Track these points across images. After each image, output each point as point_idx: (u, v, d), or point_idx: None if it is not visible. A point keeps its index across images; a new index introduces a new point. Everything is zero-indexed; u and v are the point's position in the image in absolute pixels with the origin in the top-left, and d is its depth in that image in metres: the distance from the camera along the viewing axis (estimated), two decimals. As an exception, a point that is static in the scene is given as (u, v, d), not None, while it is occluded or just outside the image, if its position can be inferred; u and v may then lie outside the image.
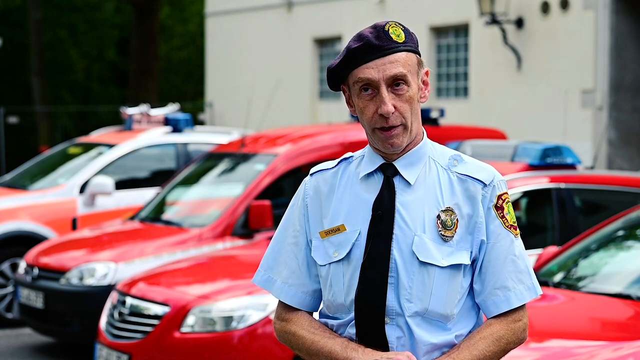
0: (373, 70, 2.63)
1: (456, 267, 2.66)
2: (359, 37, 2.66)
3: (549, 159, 7.46)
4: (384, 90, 2.63)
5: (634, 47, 14.74)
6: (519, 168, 7.42)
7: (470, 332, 2.71)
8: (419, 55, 2.72)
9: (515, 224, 2.73)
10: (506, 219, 2.70)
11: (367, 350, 2.62)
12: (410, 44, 2.68)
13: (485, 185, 2.69)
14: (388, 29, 2.66)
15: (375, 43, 2.64)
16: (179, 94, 31.39)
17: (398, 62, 2.64)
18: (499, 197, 2.70)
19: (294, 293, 2.76)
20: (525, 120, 15.46)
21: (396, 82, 2.64)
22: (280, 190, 8.94)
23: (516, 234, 2.72)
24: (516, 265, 2.70)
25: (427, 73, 2.73)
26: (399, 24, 2.70)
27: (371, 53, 2.64)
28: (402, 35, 2.67)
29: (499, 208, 2.70)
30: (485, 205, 2.68)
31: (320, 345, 2.68)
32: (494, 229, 2.69)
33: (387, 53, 2.64)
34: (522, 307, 2.71)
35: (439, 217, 2.66)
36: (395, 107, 2.63)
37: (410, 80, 2.65)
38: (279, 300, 2.81)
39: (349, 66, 2.67)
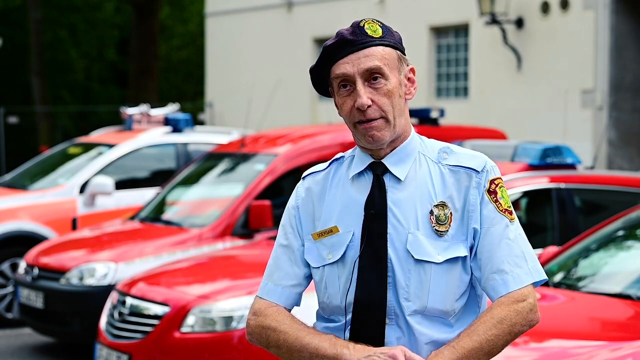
0: (348, 65, 2.64)
1: (453, 261, 2.63)
2: (336, 34, 2.68)
3: (549, 159, 7.46)
4: (359, 84, 2.63)
5: (634, 47, 14.75)
6: (519, 168, 7.42)
7: None
8: (401, 51, 2.70)
9: (511, 209, 2.69)
10: (500, 203, 2.67)
11: (358, 347, 2.58)
12: (389, 40, 2.68)
13: (477, 172, 2.67)
14: (364, 25, 2.67)
15: (350, 38, 2.65)
16: (179, 94, 31.39)
17: (373, 56, 2.63)
18: (492, 181, 2.68)
19: (287, 294, 2.74)
20: (525, 120, 15.46)
21: (373, 76, 2.63)
22: (280, 190, 8.94)
23: (511, 219, 2.67)
24: (511, 248, 2.64)
25: (412, 70, 2.72)
26: (377, 20, 2.70)
27: (345, 48, 2.65)
28: (379, 30, 2.67)
29: (491, 192, 2.67)
30: (479, 192, 2.66)
31: (306, 341, 2.63)
32: (488, 214, 2.65)
33: (362, 47, 2.64)
34: (525, 287, 2.63)
35: (432, 212, 2.64)
36: (372, 101, 2.62)
37: (387, 74, 2.64)
38: (256, 296, 2.77)
39: (327, 64, 2.68)
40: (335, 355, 2.57)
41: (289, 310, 2.75)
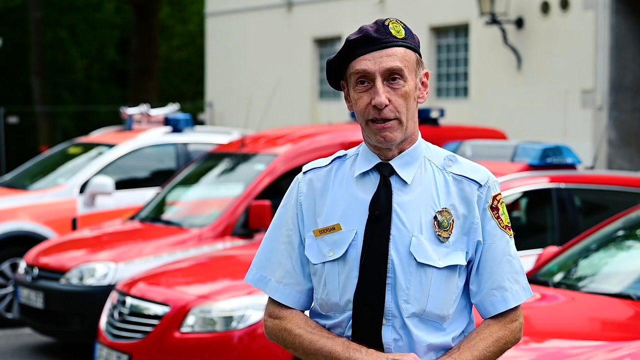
0: (370, 62, 2.64)
1: (452, 267, 2.67)
2: (359, 30, 2.69)
3: (549, 159, 7.46)
4: (379, 82, 2.64)
5: (634, 47, 14.75)
6: (519, 168, 7.42)
7: (462, 332, 2.72)
8: (420, 55, 2.73)
9: (510, 225, 2.75)
10: (501, 219, 2.72)
11: (370, 351, 2.61)
12: (410, 42, 2.70)
13: (480, 185, 2.70)
14: (388, 24, 2.69)
15: (374, 36, 2.66)
16: (179, 94, 31.39)
17: (395, 56, 2.65)
18: (494, 197, 2.72)
19: (288, 292, 2.75)
20: (525, 120, 15.46)
21: (392, 77, 2.65)
22: (280, 190, 8.94)
23: (510, 235, 2.74)
24: (512, 265, 2.72)
25: (427, 75, 2.74)
26: (401, 21, 2.72)
27: (369, 45, 2.65)
28: (403, 32, 2.69)
29: (494, 209, 2.71)
30: (480, 206, 2.69)
31: (320, 345, 2.66)
32: (490, 230, 2.70)
33: (385, 46, 2.65)
34: (517, 307, 2.73)
35: (435, 218, 2.66)
36: (389, 101, 2.64)
37: (406, 75, 2.66)
38: (269, 298, 2.79)
39: (347, 58, 2.68)
40: (348, 359, 2.61)
41: (303, 311, 2.77)
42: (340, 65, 2.71)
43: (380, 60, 2.64)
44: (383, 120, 2.64)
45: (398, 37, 2.67)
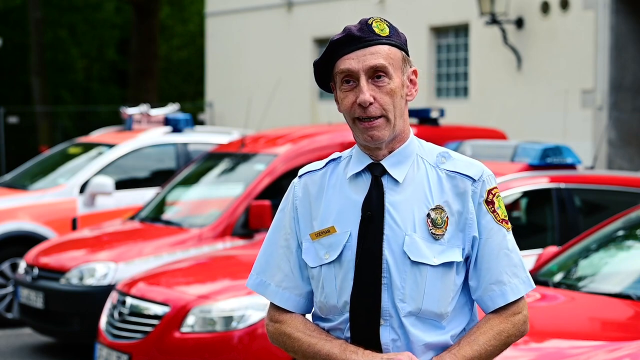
0: (353, 60, 2.64)
1: (448, 265, 2.65)
2: (343, 30, 2.69)
3: (549, 159, 7.46)
4: (363, 81, 2.63)
5: (634, 47, 14.75)
6: (519, 168, 7.42)
7: (464, 329, 2.71)
8: (406, 52, 2.72)
9: (507, 218, 2.72)
10: (497, 213, 2.70)
11: (367, 352, 2.61)
12: (395, 40, 2.69)
13: (474, 180, 2.68)
14: (372, 23, 2.69)
15: (357, 34, 2.66)
16: (179, 94, 31.39)
17: (379, 54, 2.64)
18: (489, 191, 2.70)
19: (287, 296, 2.76)
20: (525, 120, 15.46)
21: (377, 74, 2.64)
22: (280, 190, 8.94)
23: (508, 228, 2.71)
24: (510, 259, 2.70)
25: (415, 72, 2.73)
26: (385, 20, 2.71)
27: (352, 44, 2.66)
28: (387, 30, 2.68)
29: (489, 203, 2.69)
30: (475, 201, 2.68)
31: (318, 347, 2.67)
32: (486, 224, 2.68)
33: (369, 44, 2.65)
34: (520, 299, 2.71)
35: (429, 215, 2.65)
36: (374, 98, 2.63)
37: (391, 73, 2.65)
38: (271, 302, 2.80)
39: (332, 58, 2.68)
40: None
41: (304, 315, 2.77)
42: (327, 66, 2.71)
43: (363, 59, 2.64)
44: (369, 118, 2.64)
45: (382, 35, 2.67)
